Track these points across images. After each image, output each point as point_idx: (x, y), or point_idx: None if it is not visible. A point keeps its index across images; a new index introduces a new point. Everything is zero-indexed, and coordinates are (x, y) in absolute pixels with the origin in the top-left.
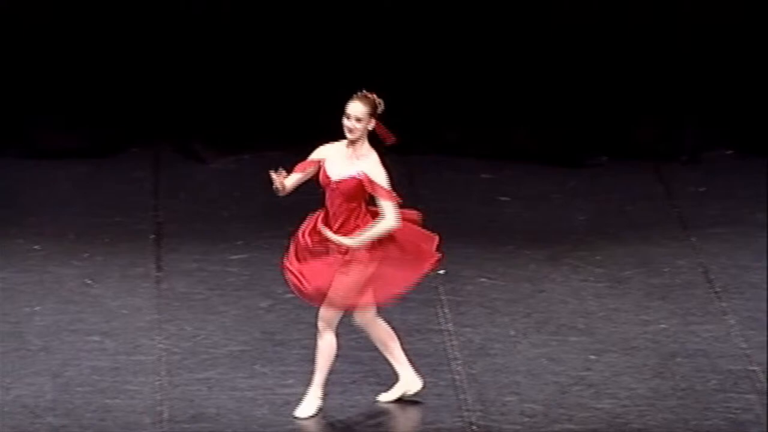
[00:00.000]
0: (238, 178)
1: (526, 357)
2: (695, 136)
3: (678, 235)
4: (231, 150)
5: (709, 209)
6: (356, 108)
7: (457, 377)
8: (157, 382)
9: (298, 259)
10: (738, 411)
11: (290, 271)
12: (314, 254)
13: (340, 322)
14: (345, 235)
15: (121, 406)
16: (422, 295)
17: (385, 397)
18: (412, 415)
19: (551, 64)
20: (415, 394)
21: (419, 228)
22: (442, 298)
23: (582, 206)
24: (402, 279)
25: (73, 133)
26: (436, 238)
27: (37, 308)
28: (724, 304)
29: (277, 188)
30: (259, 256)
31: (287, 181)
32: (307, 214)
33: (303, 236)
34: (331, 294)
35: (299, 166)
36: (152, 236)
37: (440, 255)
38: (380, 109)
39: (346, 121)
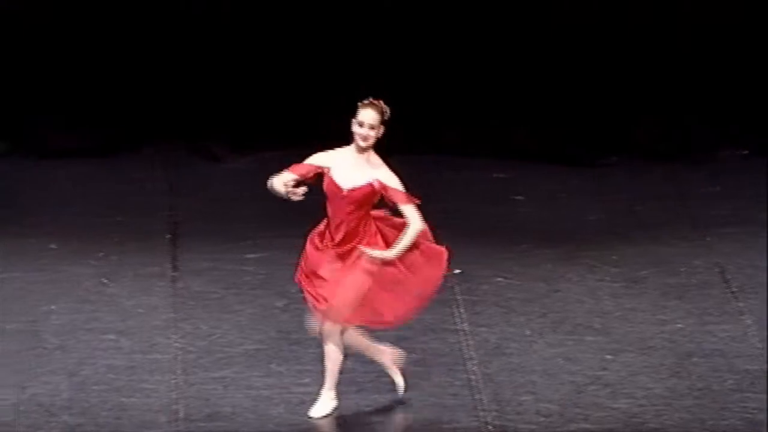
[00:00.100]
0: (253, 177)
1: (541, 356)
2: (708, 136)
3: (694, 234)
4: (246, 149)
5: (725, 209)
6: (370, 116)
7: (472, 377)
8: (173, 381)
9: (312, 276)
10: (755, 411)
11: (308, 292)
12: (326, 270)
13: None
14: (353, 242)
15: (137, 405)
16: (438, 295)
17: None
18: (427, 414)
19: (563, 64)
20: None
21: (428, 246)
22: (458, 297)
23: (597, 206)
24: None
25: (89, 132)
26: (444, 257)
27: (53, 307)
28: (740, 304)
29: (291, 196)
30: (275, 255)
31: (287, 181)
32: (322, 214)
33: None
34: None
35: (298, 170)
36: (168, 235)
37: (443, 277)
38: (387, 115)
39: (359, 129)
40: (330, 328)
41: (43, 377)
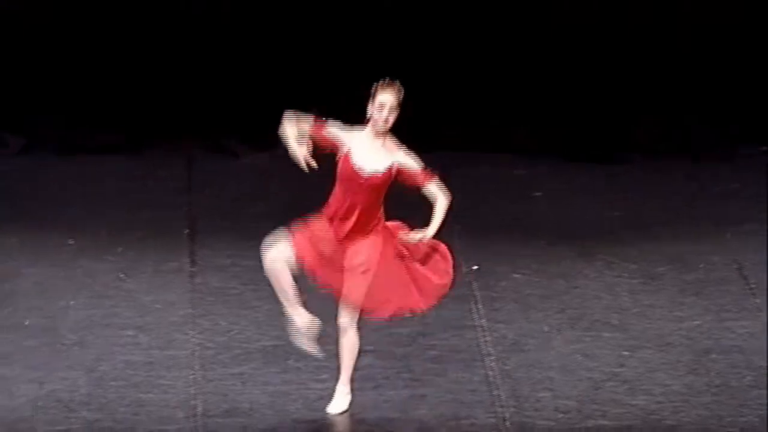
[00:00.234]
0: (271, 173)
1: (559, 353)
2: (729, 133)
3: (712, 231)
4: (264, 145)
5: (744, 205)
6: (390, 98)
7: (490, 373)
8: (191, 377)
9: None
10: None
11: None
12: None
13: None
14: (369, 226)
15: (155, 401)
16: (456, 291)
17: (333, 408)
18: (445, 410)
19: (584, 60)
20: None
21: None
22: (476, 294)
23: (615, 202)
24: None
25: (107, 129)
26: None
27: (72, 303)
28: (758, 301)
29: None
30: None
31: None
32: None
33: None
34: (346, 293)
35: (319, 132)
36: (186, 231)
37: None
38: (401, 96)
39: (379, 113)
40: (347, 319)
41: (62, 373)
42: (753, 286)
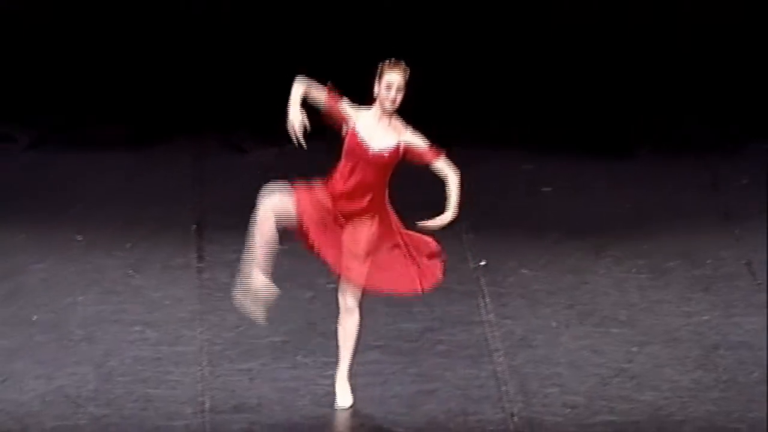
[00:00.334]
0: (279, 169)
1: (567, 348)
2: (740, 127)
3: (721, 226)
4: (272, 141)
5: (753, 201)
6: (398, 78)
7: (498, 368)
8: (199, 373)
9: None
10: None
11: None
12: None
13: (376, 313)
14: (373, 207)
15: (163, 396)
16: (464, 287)
17: (342, 402)
18: (453, 406)
19: (593, 54)
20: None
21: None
22: (484, 289)
23: (625, 197)
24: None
25: (115, 124)
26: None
27: (80, 298)
28: (766, 297)
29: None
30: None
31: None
32: None
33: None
34: (347, 274)
35: (332, 103)
36: (194, 227)
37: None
38: (407, 76)
39: (387, 92)
40: (353, 300)
41: (70, 368)
42: (761, 281)
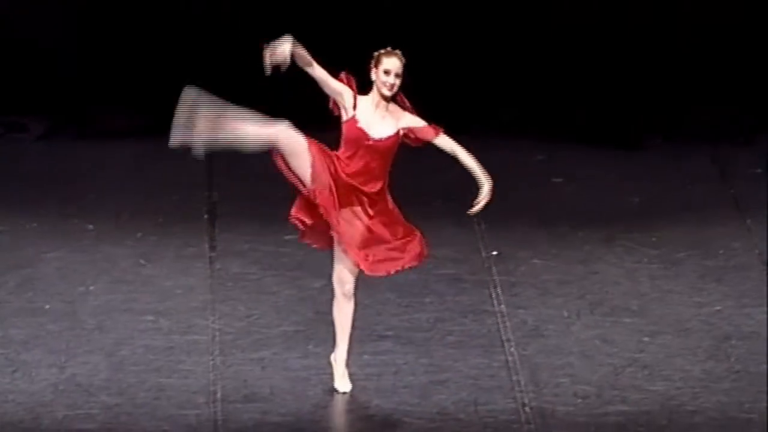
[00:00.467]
0: None
1: (579, 338)
2: (751, 118)
3: (733, 217)
4: None
5: (764, 191)
6: (396, 64)
7: (510, 358)
8: (211, 362)
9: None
10: None
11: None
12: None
13: (388, 303)
14: (378, 192)
15: (175, 386)
16: (475, 277)
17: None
18: (465, 396)
19: (605, 44)
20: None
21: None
22: (495, 279)
23: (636, 187)
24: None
25: (127, 113)
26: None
27: (91, 288)
28: None
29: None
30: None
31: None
32: None
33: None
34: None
35: (347, 82)
36: (206, 216)
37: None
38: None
39: (386, 78)
40: (352, 285)
41: (82, 357)
42: None
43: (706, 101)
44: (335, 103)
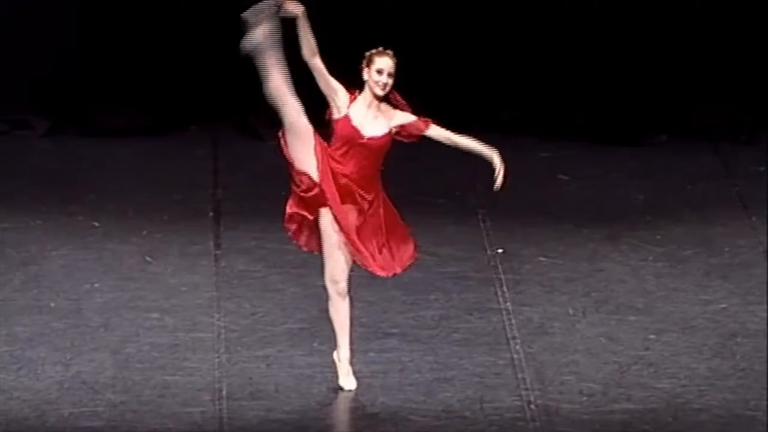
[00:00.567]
0: None
1: (584, 336)
2: (756, 116)
3: (738, 214)
4: None
5: None
6: (388, 63)
7: (515, 356)
8: (216, 360)
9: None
10: None
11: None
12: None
13: (394, 301)
14: (373, 191)
15: (180, 383)
16: (481, 274)
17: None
18: (470, 393)
19: (611, 42)
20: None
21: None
22: (501, 277)
23: (641, 185)
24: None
25: (132, 111)
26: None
27: (97, 285)
28: None
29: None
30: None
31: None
32: None
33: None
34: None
35: (345, 92)
36: (211, 214)
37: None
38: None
39: (379, 77)
40: (346, 284)
41: (87, 355)
42: None
43: (711, 99)
44: (330, 111)
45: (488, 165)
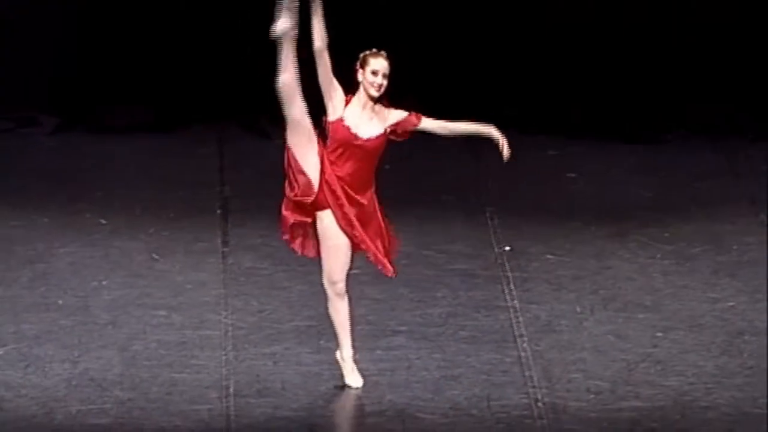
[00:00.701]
0: None
1: (592, 334)
2: (763, 114)
3: (746, 212)
4: None
5: None
6: (383, 64)
7: (522, 354)
8: (223, 357)
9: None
10: None
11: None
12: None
13: (401, 299)
14: (368, 193)
15: (188, 381)
16: (488, 272)
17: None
18: (477, 391)
19: (618, 40)
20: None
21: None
22: (508, 274)
23: (649, 183)
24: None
25: (139, 109)
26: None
27: (104, 282)
28: None
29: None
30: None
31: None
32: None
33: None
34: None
35: (343, 93)
36: (218, 211)
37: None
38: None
39: (374, 78)
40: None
41: (95, 352)
42: None
43: (720, 97)
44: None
45: (498, 162)
